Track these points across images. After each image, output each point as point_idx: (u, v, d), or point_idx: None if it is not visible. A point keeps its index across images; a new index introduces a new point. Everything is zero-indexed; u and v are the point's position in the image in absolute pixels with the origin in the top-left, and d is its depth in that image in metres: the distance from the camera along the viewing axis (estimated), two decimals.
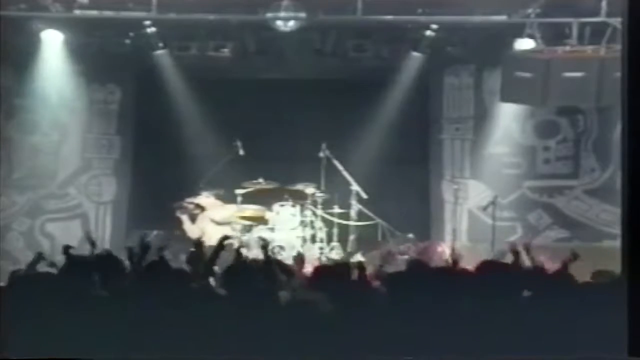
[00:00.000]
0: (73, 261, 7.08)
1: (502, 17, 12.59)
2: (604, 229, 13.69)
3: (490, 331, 5.58)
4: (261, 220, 13.27)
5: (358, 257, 12.44)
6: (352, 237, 13.29)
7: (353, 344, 5.53)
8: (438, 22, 12.91)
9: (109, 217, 14.29)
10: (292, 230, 13.13)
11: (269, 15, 12.46)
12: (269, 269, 7.27)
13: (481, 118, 14.26)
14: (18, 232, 14.06)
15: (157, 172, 13.87)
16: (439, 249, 13.37)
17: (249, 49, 13.79)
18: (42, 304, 5.82)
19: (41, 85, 13.71)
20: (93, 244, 8.95)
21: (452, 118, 14.44)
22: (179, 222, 12.88)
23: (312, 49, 13.73)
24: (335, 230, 13.35)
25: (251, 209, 13.30)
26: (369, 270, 7.21)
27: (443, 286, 5.99)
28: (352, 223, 13.31)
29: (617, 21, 10.89)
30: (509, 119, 14.07)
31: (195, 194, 12.98)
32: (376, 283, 6.70)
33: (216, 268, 7.54)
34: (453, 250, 13.12)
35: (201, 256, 8.20)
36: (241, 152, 13.43)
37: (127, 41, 13.49)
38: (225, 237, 8.20)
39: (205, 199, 12.71)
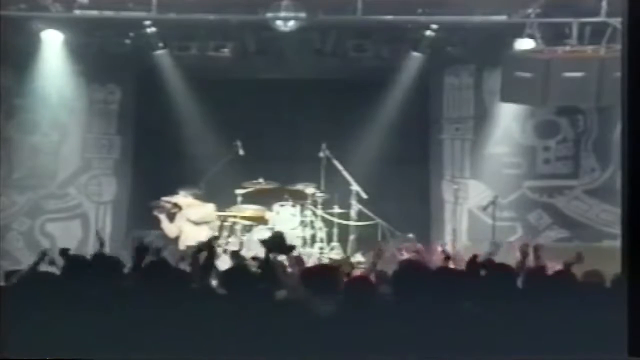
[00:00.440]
0: (73, 261, 7.09)
1: (502, 17, 12.58)
2: (604, 229, 13.69)
3: (490, 331, 5.58)
4: (261, 220, 13.27)
5: (358, 257, 12.46)
6: (352, 237, 13.29)
7: (352, 344, 5.53)
8: (438, 22, 12.91)
9: (109, 217, 14.29)
10: (292, 230, 13.12)
11: (269, 15, 12.46)
12: (269, 270, 7.26)
13: (481, 118, 14.26)
14: (18, 232, 14.06)
15: (157, 172, 13.86)
16: (439, 249, 13.35)
17: (249, 49, 13.79)
18: (41, 304, 5.82)
19: (41, 85, 13.71)
20: (102, 243, 8.98)
21: (452, 118, 14.44)
22: (157, 222, 12.82)
23: (312, 49, 13.72)
24: (335, 230, 13.34)
25: (251, 209, 13.30)
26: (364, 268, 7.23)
27: (442, 286, 5.99)
28: (352, 223, 13.30)
29: (617, 21, 10.89)
30: (509, 119, 14.07)
31: (173, 193, 12.90)
32: (371, 280, 6.69)
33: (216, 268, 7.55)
34: (452, 249, 13.15)
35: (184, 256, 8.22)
36: (241, 152, 13.42)
37: (127, 41, 13.49)
38: (216, 238, 8.19)
39: (182, 198, 12.63)
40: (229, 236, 13.13)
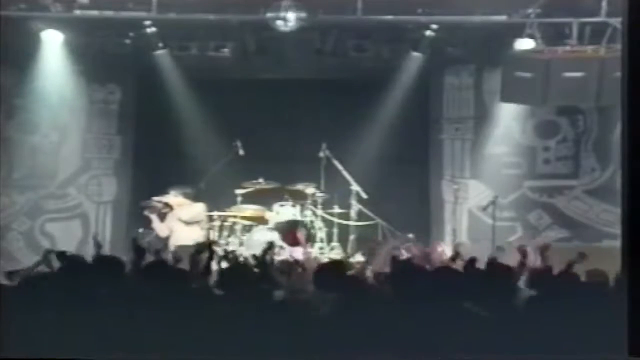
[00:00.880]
0: (73, 262, 7.09)
1: (502, 17, 12.58)
2: (604, 229, 13.69)
3: (490, 331, 5.58)
4: (261, 220, 13.27)
5: (358, 257, 12.46)
6: (352, 237, 13.29)
7: (351, 344, 5.53)
8: (438, 22, 12.90)
9: (109, 217, 14.29)
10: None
11: (269, 15, 12.46)
12: (265, 270, 7.26)
13: (481, 118, 14.26)
14: (18, 232, 14.05)
15: (158, 172, 13.86)
16: (439, 249, 13.36)
17: (249, 49, 13.79)
18: (41, 304, 5.82)
19: (41, 85, 13.70)
20: (99, 246, 8.97)
21: (452, 118, 14.43)
22: (148, 221, 12.80)
23: (312, 49, 13.72)
24: (335, 230, 13.35)
25: (251, 209, 13.30)
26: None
27: (442, 286, 5.99)
28: (352, 223, 13.31)
29: (617, 21, 10.90)
30: (509, 119, 14.06)
31: (164, 192, 12.87)
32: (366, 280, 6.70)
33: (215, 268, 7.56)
34: (455, 248, 13.15)
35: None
36: (241, 152, 13.42)
37: (127, 41, 13.49)
38: (213, 241, 8.19)
39: (173, 197, 12.61)
40: (229, 236, 13.14)
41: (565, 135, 14.22)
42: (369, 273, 7.23)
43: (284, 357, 5.55)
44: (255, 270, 7.28)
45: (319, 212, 13.35)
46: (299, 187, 13.37)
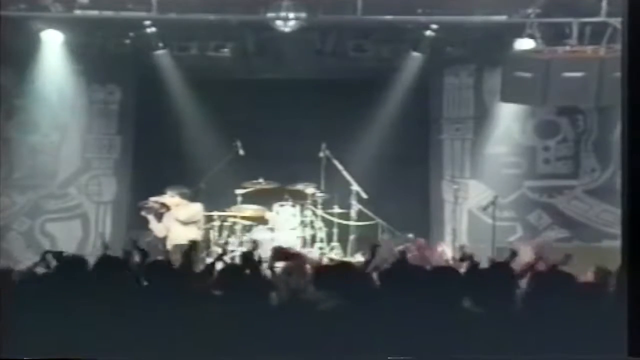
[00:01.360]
0: (72, 262, 7.08)
1: (502, 17, 12.58)
2: (604, 229, 13.69)
3: (490, 331, 5.58)
4: (261, 220, 13.27)
5: (358, 257, 12.45)
6: (352, 237, 13.29)
7: (350, 344, 5.53)
8: (438, 22, 12.91)
9: (109, 217, 14.29)
10: (292, 230, 13.12)
11: (269, 15, 12.46)
12: (256, 270, 7.26)
13: (481, 118, 14.26)
14: (18, 232, 14.06)
15: (158, 172, 13.85)
16: (439, 248, 13.37)
17: (249, 49, 13.79)
18: (41, 304, 5.82)
19: (41, 85, 13.70)
20: (106, 247, 8.96)
21: (452, 118, 14.44)
22: (146, 222, 12.78)
23: (312, 49, 13.72)
24: (335, 230, 13.34)
25: (251, 209, 13.29)
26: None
27: (442, 286, 5.99)
28: (352, 223, 13.30)
29: (617, 21, 10.89)
30: (509, 119, 14.07)
31: (161, 193, 12.84)
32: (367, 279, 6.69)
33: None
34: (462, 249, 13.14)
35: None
36: (241, 152, 13.42)
37: (127, 41, 13.50)
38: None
39: (170, 198, 12.57)
40: (229, 236, 13.14)
41: (565, 135, 14.22)
42: (368, 273, 7.22)
43: (284, 357, 5.55)
44: (246, 269, 7.26)
45: (319, 212, 13.35)
46: (299, 187, 13.36)
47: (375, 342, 5.54)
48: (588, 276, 7.24)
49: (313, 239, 13.24)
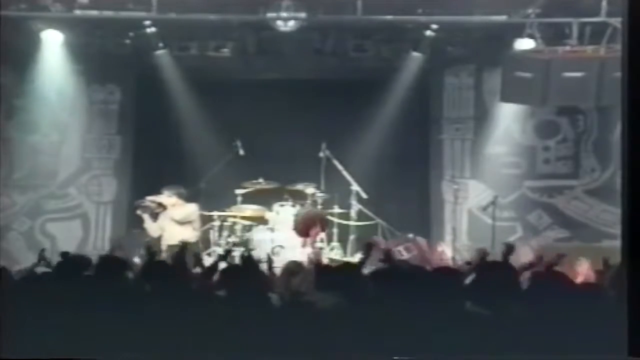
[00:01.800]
0: (72, 262, 7.09)
1: (502, 17, 12.57)
2: (604, 229, 13.69)
3: (490, 331, 5.58)
4: (261, 220, 13.27)
5: (358, 257, 12.45)
6: (352, 237, 13.29)
7: (349, 344, 5.54)
8: (438, 22, 12.91)
9: (109, 217, 14.29)
10: (292, 230, 13.12)
11: (269, 15, 12.46)
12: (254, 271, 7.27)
13: (481, 118, 14.27)
14: (18, 232, 14.06)
15: (157, 172, 13.86)
16: (439, 249, 13.38)
17: (249, 49, 13.79)
18: (41, 304, 5.82)
19: (41, 85, 13.70)
20: (114, 247, 8.95)
21: (452, 118, 14.44)
22: (140, 221, 12.77)
23: (312, 49, 13.72)
24: (335, 230, 13.35)
25: (251, 209, 13.30)
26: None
27: (442, 286, 6.00)
28: (352, 223, 13.31)
29: (617, 21, 10.89)
30: (509, 119, 14.07)
31: (157, 192, 12.83)
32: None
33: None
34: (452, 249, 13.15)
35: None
36: (241, 152, 13.42)
37: (127, 41, 13.49)
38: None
39: (166, 197, 12.56)
40: (229, 236, 13.14)
41: (565, 135, 14.23)
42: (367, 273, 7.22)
43: (284, 357, 5.55)
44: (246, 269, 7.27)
45: None
46: (299, 187, 13.36)
47: (375, 342, 5.54)
48: (584, 267, 7.24)
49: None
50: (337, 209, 13.32)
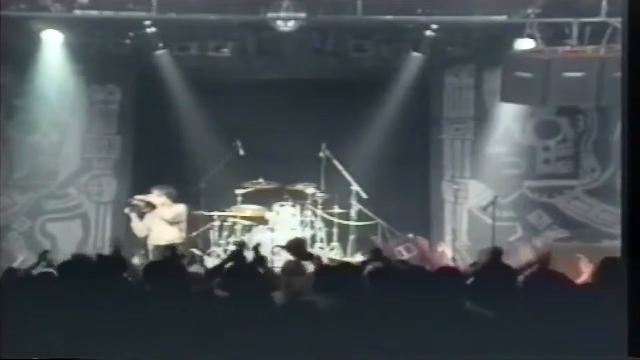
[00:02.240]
0: (72, 262, 7.09)
1: (502, 17, 12.57)
2: (604, 229, 13.69)
3: (490, 331, 5.58)
4: (261, 220, 13.27)
5: (358, 257, 12.46)
6: (352, 237, 13.29)
7: (349, 344, 5.54)
8: (438, 22, 12.90)
9: (109, 217, 14.29)
10: (292, 230, 13.13)
11: (269, 15, 12.46)
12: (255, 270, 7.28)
13: (481, 118, 14.26)
14: (18, 232, 14.06)
15: (157, 172, 13.84)
16: (440, 249, 13.38)
17: (249, 49, 13.79)
18: (41, 304, 5.82)
19: (41, 85, 13.70)
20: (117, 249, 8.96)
21: (452, 118, 14.44)
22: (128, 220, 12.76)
23: (312, 49, 13.72)
24: (335, 230, 13.35)
25: (251, 209, 13.30)
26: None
27: (442, 286, 6.00)
28: (352, 223, 13.31)
29: (617, 21, 10.89)
30: (509, 119, 14.07)
31: (146, 192, 12.80)
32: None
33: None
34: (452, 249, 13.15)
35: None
36: (241, 152, 13.43)
37: (127, 41, 13.48)
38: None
39: (156, 197, 12.53)
40: (229, 236, 13.14)
41: (565, 135, 14.23)
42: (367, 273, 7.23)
43: (284, 357, 5.55)
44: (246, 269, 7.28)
45: (319, 212, 13.35)
46: (299, 187, 13.37)
47: (375, 342, 5.54)
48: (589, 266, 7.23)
49: (313, 239, 13.24)
50: (337, 209, 13.32)
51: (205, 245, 13.13)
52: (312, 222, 13.31)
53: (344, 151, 13.62)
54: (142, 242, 12.32)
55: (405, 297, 5.87)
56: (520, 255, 12.26)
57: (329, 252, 13.08)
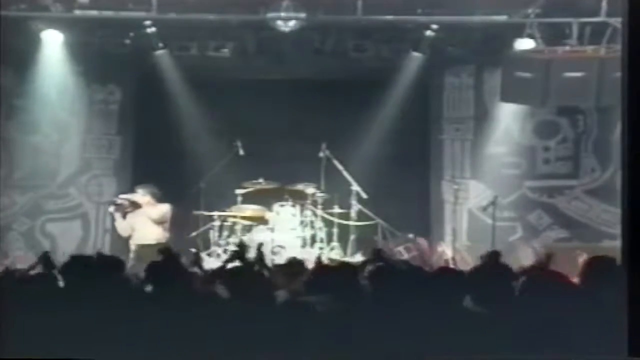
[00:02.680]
0: (73, 262, 7.08)
1: (502, 17, 12.58)
2: (604, 229, 13.69)
3: (490, 331, 5.58)
4: (261, 221, 13.27)
5: (358, 257, 12.46)
6: (352, 237, 13.29)
7: (349, 344, 5.54)
8: (438, 22, 12.90)
9: (109, 217, 14.27)
10: (292, 230, 13.13)
11: (269, 15, 12.46)
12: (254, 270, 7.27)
13: (481, 118, 14.26)
14: (18, 232, 14.05)
15: (157, 173, 13.83)
16: (439, 249, 13.38)
17: (249, 49, 13.79)
18: (41, 304, 5.82)
19: (41, 85, 13.69)
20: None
21: (452, 118, 14.44)
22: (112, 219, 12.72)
23: (312, 49, 13.72)
24: (335, 230, 13.35)
25: (251, 209, 13.30)
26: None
27: (442, 286, 6.00)
28: (352, 223, 13.31)
29: (617, 21, 10.89)
30: (509, 119, 14.07)
31: (131, 191, 12.77)
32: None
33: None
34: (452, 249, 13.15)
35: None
36: (241, 152, 13.43)
37: (127, 41, 13.47)
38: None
39: (141, 197, 12.51)
40: (229, 236, 13.14)
41: (565, 135, 14.22)
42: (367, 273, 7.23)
43: (284, 357, 5.55)
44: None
45: (319, 212, 13.35)
46: (299, 187, 13.37)
47: (375, 342, 5.54)
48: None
49: (313, 239, 13.24)
50: (337, 209, 13.32)
51: (205, 245, 13.13)
52: (312, 222, 13.31)
53: (344, 151, 13.61)
54: (125, 242, 12.32)
55: (405, 297, 5.87)
56: (520, 255, 12.29)
57: (329, 252, 13.08)
